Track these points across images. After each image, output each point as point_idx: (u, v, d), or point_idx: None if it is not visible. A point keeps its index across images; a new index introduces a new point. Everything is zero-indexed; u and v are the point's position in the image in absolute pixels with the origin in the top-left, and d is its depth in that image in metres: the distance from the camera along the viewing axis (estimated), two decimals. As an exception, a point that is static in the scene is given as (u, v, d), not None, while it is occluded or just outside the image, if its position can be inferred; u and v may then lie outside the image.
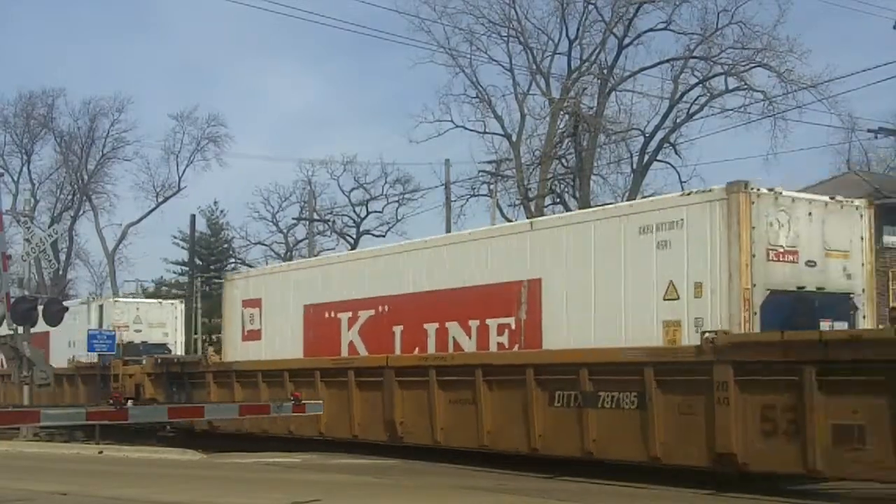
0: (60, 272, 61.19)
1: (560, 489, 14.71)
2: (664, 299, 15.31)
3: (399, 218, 58.16)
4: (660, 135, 43.68)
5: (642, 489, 14.59)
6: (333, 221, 59.36)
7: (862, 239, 15.73)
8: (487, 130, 46.82)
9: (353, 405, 18.95)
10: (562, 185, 46.27)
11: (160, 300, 38.30)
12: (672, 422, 14.01)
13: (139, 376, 25.13)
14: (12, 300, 24.92)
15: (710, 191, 15.28)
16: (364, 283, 20.63)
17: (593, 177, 44.37)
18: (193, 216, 58.42)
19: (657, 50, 51.13)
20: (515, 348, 17.45)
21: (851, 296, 15.73)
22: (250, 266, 57.63)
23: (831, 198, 15.90)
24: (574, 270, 16.70)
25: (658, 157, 44.15)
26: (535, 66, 44.95)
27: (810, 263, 15.22)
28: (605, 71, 43.79)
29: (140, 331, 31.93)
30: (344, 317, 21.00)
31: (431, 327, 19.05)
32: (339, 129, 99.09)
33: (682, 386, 13.90)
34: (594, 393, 14.76)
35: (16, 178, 62.62)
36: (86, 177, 62.47)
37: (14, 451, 22.25)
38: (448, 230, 44.51)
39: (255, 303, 23.40)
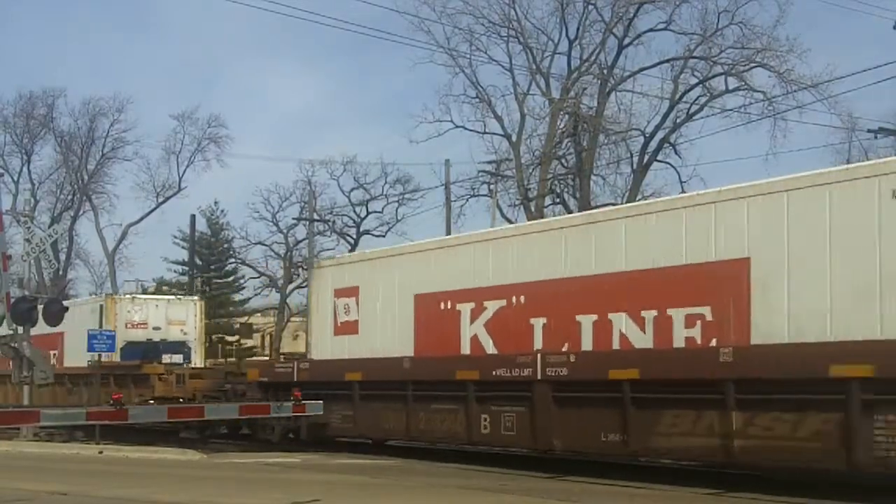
0: (60, 272, 61.07)
1: (561, 489, 14.72)
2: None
3: (399, 218, 57.98)
4: (660, 135, 43.58)
5: (642, 489, 14.62)
6: (333, 221, 59.23)
7: (195, 315, 32.37)
8: (487, 130, 46.66)
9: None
10: (562, 185, 46.21)
11: None
12: (104, 398, 24.87)
13: None
14: (12, 300, 24.91)
15: (101, 296, 34.47)
16: None
17: (593, 177, 44.31)
18: (193, 216, 58.41)
19: (657, 50, 50.99)
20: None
21: (186, 342, 30.73)
22: (251, 267, 57.79)
23: (175, 297, 37.48)
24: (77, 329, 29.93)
25: (658, 158, 44.06)
26: (534, 66, 44.89)
27: (156, 328, 31.57)
28: (605, 71, 43.73)
29: None
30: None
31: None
32: (339, 129, 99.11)
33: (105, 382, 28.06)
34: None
35: (16, 178, 62.36)
36: (86, 177, 62.37)
37: (14, 451, 22.23)
38: (448, 231, 44.47)
39: None
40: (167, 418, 18.38)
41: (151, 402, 25.38)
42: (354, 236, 58.79)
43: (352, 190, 58.52)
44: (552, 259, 16.98)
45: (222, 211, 65.61)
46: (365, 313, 20.45)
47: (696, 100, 43.01)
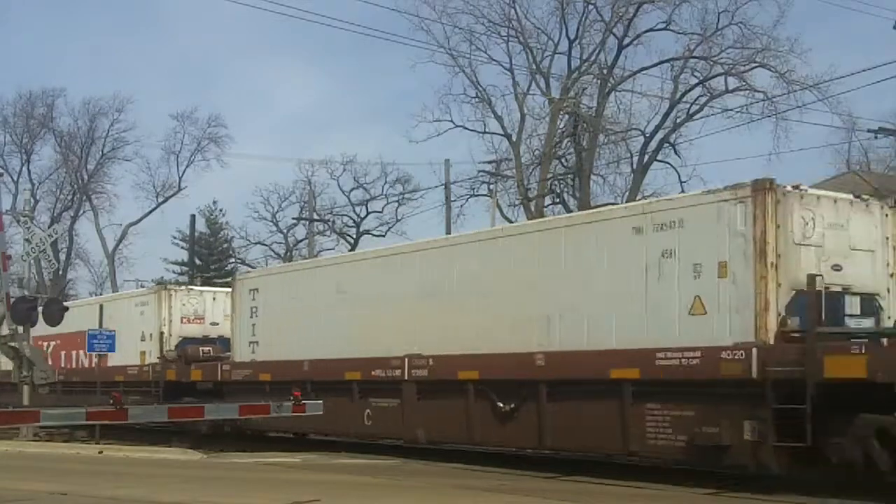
0: (60, 272, 61.14)
1: (560, 489, 14.73)
2: None
3: (399, 218, 58.18)
4: (660, 135, 43.61)
5: (642, 489, 14.63)
6: (333, 221, 59.38)
7: None
8: (487, 130, 46.73)
9: None
10: (562, 185, 46.23)
11: None
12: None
13: None
14: (12, 300, 24.91)
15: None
16: None
17: (593, 177, 44.32)
18: (193, 216, 58.49)
19: (657, 50, 50.79)
20: None
21: None
22: (251, 266, 57.76)
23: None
24: None
25: (658, 158, 44.09)
26: (535, 66, 44.91)
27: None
28: (604, 71, 43.74)
29: None
30: None
31: None
32: (339, 129, 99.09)
33: None
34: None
35: (16, 178, 62.40)
36: (86, 177, 62.45)
37: (14, 451, 22.22)
38: (448, 231, 44.50)
39: None
40: (168, 418, 18.70)
41: None
42: (354, 236, 58.92)
43: (352, 190, 58.69)
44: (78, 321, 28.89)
45: (222, 211, 65.79)
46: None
47: (696, 100, 43.06)
